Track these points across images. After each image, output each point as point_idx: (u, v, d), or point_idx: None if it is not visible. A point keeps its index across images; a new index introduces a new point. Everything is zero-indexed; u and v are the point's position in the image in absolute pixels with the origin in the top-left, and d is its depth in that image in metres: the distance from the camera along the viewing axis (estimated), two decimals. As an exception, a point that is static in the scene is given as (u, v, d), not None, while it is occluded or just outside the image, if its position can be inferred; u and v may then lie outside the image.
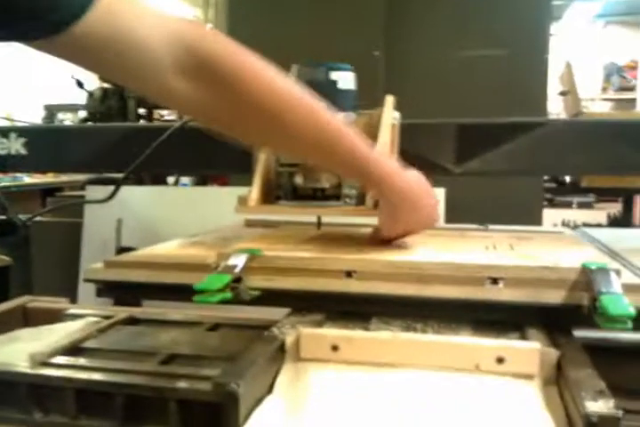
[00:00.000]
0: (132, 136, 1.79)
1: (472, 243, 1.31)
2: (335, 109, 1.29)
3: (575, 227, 4.88)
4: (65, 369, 1.05)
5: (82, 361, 1.08)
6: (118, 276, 1.21)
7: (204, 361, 1.11)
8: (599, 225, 5.02)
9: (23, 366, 1.05)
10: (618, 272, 1.00)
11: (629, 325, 0.84)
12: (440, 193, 2.32)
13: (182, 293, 1.05)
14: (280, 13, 3.08)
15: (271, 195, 1.38)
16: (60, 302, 1.60)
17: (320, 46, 2.93)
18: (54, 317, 1.42)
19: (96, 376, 1.02)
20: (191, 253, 1.30)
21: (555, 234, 1.46)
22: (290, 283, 1.12)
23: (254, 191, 1.34)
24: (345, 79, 1.34)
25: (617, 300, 0.88)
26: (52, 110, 9.29)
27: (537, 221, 3.10)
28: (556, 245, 1.28)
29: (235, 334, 1.28)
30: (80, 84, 3.75)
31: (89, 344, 1.20)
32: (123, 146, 1.77)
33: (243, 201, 1.33)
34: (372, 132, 1.38)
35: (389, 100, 1.42)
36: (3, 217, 3.84)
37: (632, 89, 11.69)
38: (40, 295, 1.70)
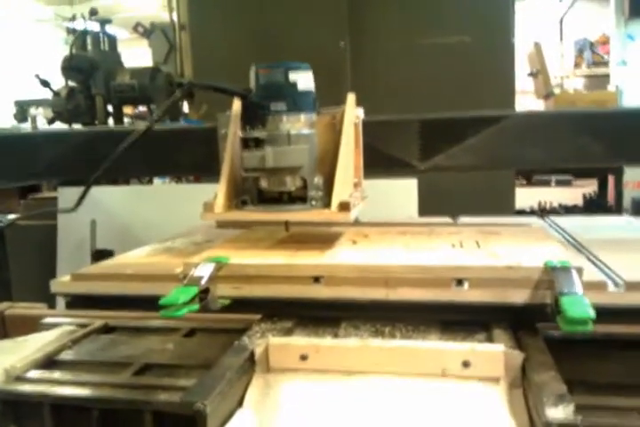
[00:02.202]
0: (96, 141, 1.76)
1: (439, 241, 1.32)
2: (296, 111, 1.30)
3: (550, 210, 4.94)
4: (40, 384, 1.04)
5: (57, 375, 1.08)
6: (86, 289, 1.21)
7: (179, 370, 1.11)
8: (575, 206, 5.07)
9: None
10: (580, 270, 1.01)
11: (590, 326, 0.85)
12: (412, 184, 2.34)
13: (151, 303, 1.05)
14: (241, 5, 3.04)
15: (237, 199, 1.36)
16: (37, 308, 1.59)
17: (285, 37, 2.92)
18: (32, 323, 1.41)
19: (71, 391, 1.02)
20: (160, 260, 1.30)
21: (522, 227, 1.47)
22: (258, 290, 1.13)
23: (219, 197, 1.32)
24: (304, 79, 1.31)
25: (577, 301, 0.89)
26: (22, 106, 9.16)
27: (510, 204, 3.12)
28: (522, 241, 1.29)
29: (210, 339, 1.27)
30: (45, 84, 3.70)
31: (64, 356, 1.19)
32: (88, 151, 1.74)
33: (209, 207, 1.31)
34: (334, 132, 1.38)
35: (351, 98, 1.39)
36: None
37: (605, 64, 11.74)
38: (18, 298, 1.68)
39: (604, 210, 4.96)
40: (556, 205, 5.22)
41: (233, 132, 1.35)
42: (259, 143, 1.28)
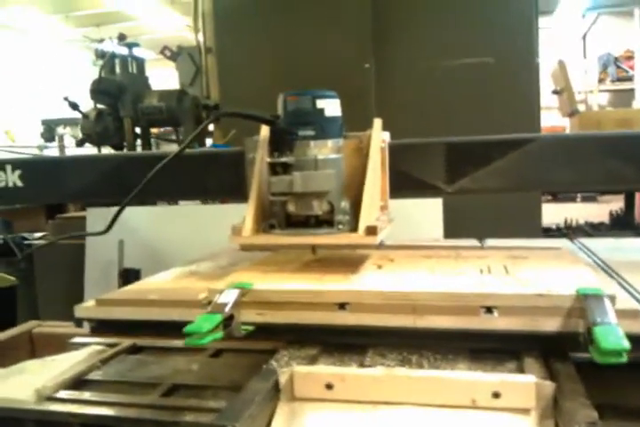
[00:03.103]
0: (126, 165, 1.80)
1: (466, 265, 1.30)
2: (323, 137, 1.30)
3: (576, 228, 4.88)
4: (70, 404, 1.05)
5: (86, 395, 1.08)
6: (110, 314, 1.21)
7: (207, 392, 1.10)
8: (602, 224, 5.00)
9: (29, 402, 1.05)
10: (613, 299, 0.99)
11: (624, 358, 0.83)
12: (437, 203, 2.32)
13: (175, 329, 1.04)
14: (268, 28, 3.07)
15: (264, 223, 1.37)
16: (65, 327, 1.59)
17: (311, 60, 2.94)
18: (60, 342, 1.40)
19: (100, 411, 1.02)
20: (184, 286, 1.30)
21: (551, 251, 1.45)
22: (282, 317, 1.12)
23: (247, 221, 1.33)
24: (331, 106, 1.33)
25: (611, 332, 0.86)
26: (49, 125, 9.31)
27: (536, 221, 3.09)
28: (552, 266, 1.27)
29: (237, 360, 1.24)
30: (74, 106, 3.76)
31: (93, 376, 1.19)
32: (117, 175, 1.77)
33: (237, 231, 1.32)
34: (361, 156, 1.39)
35: (377, 123, 1.41)
36: (4, 237, 3.87)
37: (630, 79, 11.67)
38: (46, 316, 1.69)
39: (631, 227, 4.89)
40: (582, 221, 5.16)
41: (260, 157, 1.37)
42: (286, 168, 1.30)
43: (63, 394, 1.08)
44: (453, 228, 2.51)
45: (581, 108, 10.87)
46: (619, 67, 11.97)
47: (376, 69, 2.85)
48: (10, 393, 1.09)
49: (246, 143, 1.50)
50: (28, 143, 11.45)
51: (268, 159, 1.32)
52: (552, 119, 8.64)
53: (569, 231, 4.81)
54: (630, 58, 11.72)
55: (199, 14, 3.89)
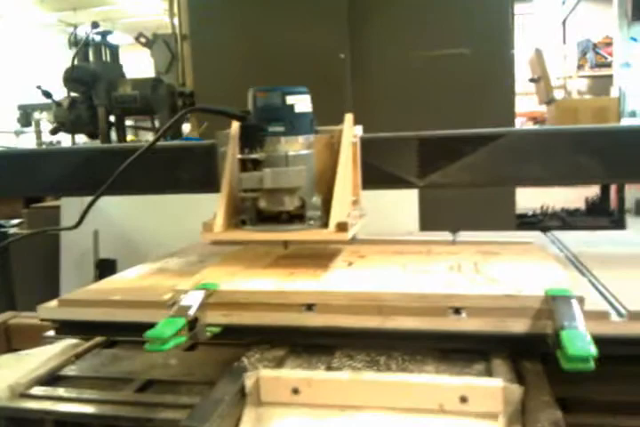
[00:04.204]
0: (98, 158, 1.77)
1: (437, 262, 1.28)
2: (294, 133, 1.29)
3: (552, 214, 4.90)
4: (44, 400, 1.04)
5: (60, 391, 1.07)
6: (73, 315, 1.19)
7: (181, 387, 1.09)
8: (577, 210, 5.02)
9: (2, 399, 1.04)
10: (581, 300, 0.98)
11: (591, 364, 0.82)
12: (412, 194, 2.31)
13: (140, 330, 1.02)
14: (243, 16, 3.03)
15: (236, 218, 1.35)
16: None
17: (286, 49, 2.91)
18: (37, 333, 1.38)
19: (74, 408, 1.02)
20: (150, 285, 1.27)
21: (522, 246, 1.43)
22: (249, 318, 1.10)
23: (218, 217, 1.31)
24: (301, 102, 1.31)
25: (578, 337, 0.85)
26: (26, 110, 9.18)
27: (510, 209, 3.09)
28: (523, 262, 1.26)
29: (212, 354, 1.23)
30: (47, 94, 3.69)
31: (67, 371, 1.18)
32: (90, 168, 1.75)
33: (208, 227, 1.31)
34: (333, 151, 1.37)
35: (348, 118, 1.39)
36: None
37: (608, 65, 11.71)
38: (22, 305, 1.67)
39: (606, 213, 4.92)
40: (558, 207, 5.17)
41: (232, 152, 1.36)
42: (257, 164, 1.28)
43: (37, 390, 1.07)
44: (429, 217, 2.50)
45: (561, 93, 10.92)
46: (597, 53, 12.01)
47: (351, 60, 2.83)
48: (-17, 389, 1.08)
49: (218, 137, 1.50)
50: (5, 129, 11.31)
51: (239, 155, 1.30)
52: (531, 104, 8.65)
53: (544, 218, 4.83)
54: (609, 44, 11.74)
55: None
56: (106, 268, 2.94)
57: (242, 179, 1.29)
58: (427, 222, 2.50)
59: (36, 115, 9.29)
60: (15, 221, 4.04)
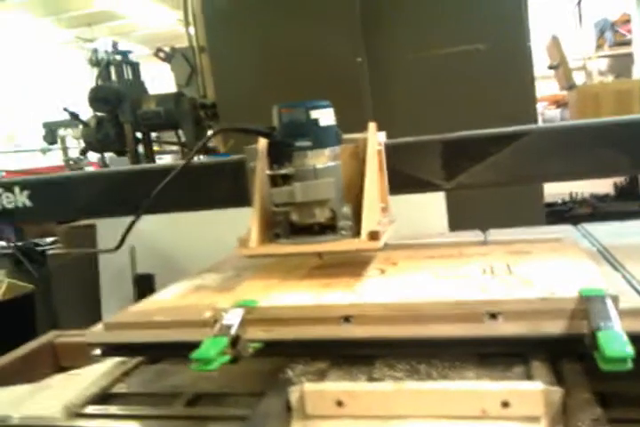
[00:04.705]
0: (130, 180, 1.83)
1: (469, 265, 1.30)
2: (320, 146, 1.33)
3: (582, 201, 4.86)
4: (98, 419, 1.09)
5: (113, 409, 1.12)
6: (119, 338, 1.22)
7: (228, 399, 1.14)
8: (606, 195, 4.98)
9: (60, 419, 1.09)
10: (616, 299, 0.99)
11: (629, 365, 0.83)
12: (439, 197, 2.31)
13: (184, 350, 1.05)
14: (258, 26, 3.06)
15: (270, 231, 1.40)
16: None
17: (303, 55, 2.93)
18: (83, 350, 1.42)
19: (128, 425, 1.07)
20: (190, 303, 1.30)
21: (554, 242, 1.44)
22: (289, 333, 1.12)
23: (253, 233, 1.35)
24: (325, 116, 1.35)
25: (614, 338, 0.86)
26: (51, 127, 9.31)
27: (539, 197, 3.07)
28: (555, 261, 1.26)
29: (255, 365, 1.24)
30: (74, 116, 3.77)
31: (117, 389, 1.23)
32: (123, 190, 1.81)
33: (244, 242, 1.35)
34: (359, 159, 1.41)
35: (372, 127, 1.43)
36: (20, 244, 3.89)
37: (628, 43, 11.53)
38: (64, 322, 1.71)
39: (635, 197, 4.88)
40: (587, 194, 5.14)
41: (261, 168, 1.40)
42: (286, 179, 1.33)
43: (90, 409, 1.12)
44: (458, 210, 2.50)
45: (581, 75, 10.78)
46: (616, 31, 11.83)
47: (368, 63, 2.84)
48: (39, 410, 1.15)
49: (246, 152, 1.55)
50: (32, 147, 11.49)
51: (268, 171, 1.35)
52: (553, 88, 8.55)
53: (573, 205, 4.81)
54: (627, 22, 11.56)
55: (189, 10, 3.88)
56: (144, 283, 3.00)
57: (273, 194, 1.34)
58: (456, 216, 2.51)
59: (61, 132, 9.42)
60: (50, 239, 4.12)
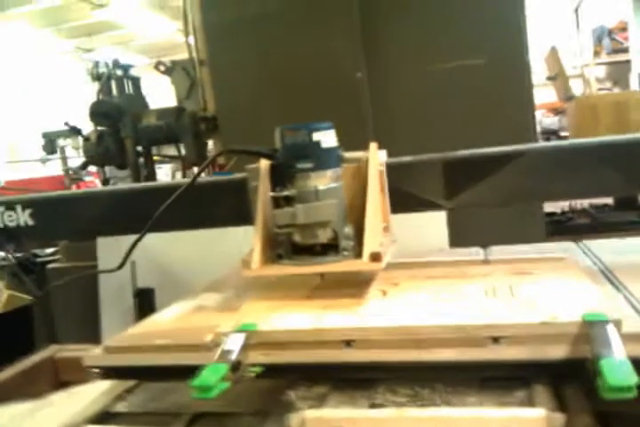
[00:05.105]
0: (133, 198, 1.83)
1: (471, 286, 1.29)
2: (322, 168, 1.34)
3: (580, 212, 4.85)
4: None
5: None
6: (118, 361, 1.22)
7: (230, 419, 1.13)
8: (606, 205, 4.98)
9: None
10: (618, 324, 0.98)
11: (631, 393, 0.82)
12: (441, 216, 2.31)
13: (185, 373, 1.05)
14: (258, 40, 3.07)
15: (272, 252, 1.40)
16: (87, 349, 1.61)
17: (304, 70, 2.94)
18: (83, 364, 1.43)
19: None
20: (191, 325, 1.30)
21: (556, 262, 1.44)
22: (290, 356, 1.12)
23: (255, 253, 1.36)
24: (327, 137, 1.36)
25: (618, 367, 0.86)
26: (50, 137, 9.32)
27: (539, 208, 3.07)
28: (558, 282, 1.26)
29: (256, 384, 1.23)
30: (75, 131, 3.78)
31: (118, 408, 1.22)
32: (126, 209, 1.82)
33: (246, 264, 1.36)
34: (360, 179, 1.42)
35: (373, 147, 1.44)
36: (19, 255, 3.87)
37: (625, 51, 11.55)
38: (63, 336, 1.70)
39: (633, 207, 4.87)
40: (586, 204, 5.13)
41: (262, 189, 1.42)
42: (289, 200, 1.34)
43: None
44: (458, 222, 2.50)
45: (579, 83, 10.78)
46: (613, 39, 11.85)
47: (368, 78, 2.85)
48: (36, 428, 1.12)
49: (248, 172, 1.57)
50: (31, 157, 11.50)
51: (271, 193, 1.37)
52: (551, 96, 8.54)
53: (573, 215, 4.81)
54: (624, 29, 11.59)
55: (189, 22, 3.88)
56: (144, 297, 2.99)
57: (275, 215, 1.35)
58: (457, 226, 2.50)
59: (61, 142, 9.42)
60: (50, 250, 4.10)
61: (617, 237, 1.78)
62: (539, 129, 7.07)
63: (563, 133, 6.32)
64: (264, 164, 1.43)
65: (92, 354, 1.24)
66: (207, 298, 1.52)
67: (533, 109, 2.79)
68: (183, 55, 4.07)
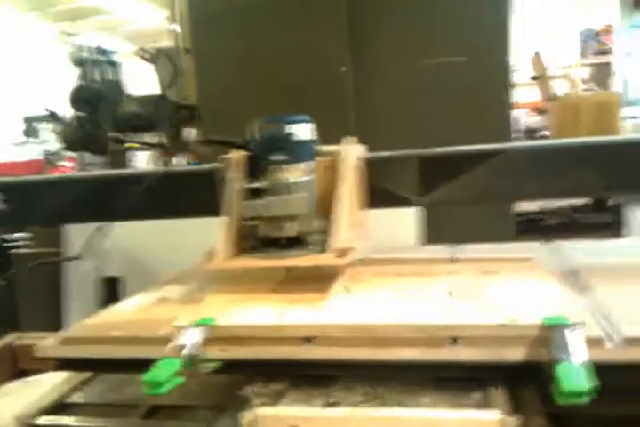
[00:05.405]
0: (100, 186, 1.80)
1: (436, 286, 1.28)
2: (295, 160, 1.32)
3: (552, 213, 4.83)
4: None
5: (66, 420, 1.09)
6: (72, 352, 1.19)
7: (185, 412, 1.11)
8: (585, 205, 4.98)
9: None
10: (580, 327, 0.97)
11: (585, 399, 0.81)
12: (410, 213, 2.29)
13: (140, 366, 1.02)
14: (244, 30, 3.04)
15: (239, 244, 1.39)
16: (47, 338, 1.59)
17: (288, 62, 2.91)
18: None
19: None
20: (150, 317, 1.28)
21: (523, 262, 1.42)
22: (248, 352, 1.10)
23: (220, 247, 1.35)
24: (302, 130, 1.34)
25: (573, 372, 0.85)
26: (31, 122, 9.23)
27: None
28: (522, 283, 1.26)
29: (213, 377, 1.21)
30: (54, 116, 3.72)
31: (74, 399, 1.20)
32: (92, 196, 1.78)
33: (211, 257, 1.35)
34: (335, 173, 1.40)
35: (350, 141, 1.44)
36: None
37: (610, 52, 11.63)
38: (26, 322, 1.67)
39: (612, 209, 4.87)
40: (561, 202, 5.11)
41: (233, 179, 1.40)
42: (259, 192, 1.33)
43: (44, 420, 1.09)
44: (434, 217, 2.48)
45: (564, 83, 10.82)
46: (599, 41, 11.93)
47: (353, 73, 2.83)
48: (-10, 418, 1.10)
49: (219, 162, 1.52)
50: (11, 140, 11.35)
51: (243, 184, 1.36)
52: (535, 95, 8.55)
53: (544, 216, 4.82)
54: (610, 32, 11.66)
55: (176, 10, 3.84)
56: (109, 285, 2.96)
57: (244, 207, 1.35)
58: (432, 225, 2.48)
59: (41, 126, 9.33)
60: (17, 235, 4.04)
61: (591, 238, 1.77)
62: (523, 128, 7.08)
63: (543, 133, 6.34)
64: (236, 155, 1.41)
65: (46, 344, 1.21)
66: (170, 290, 1.50)
67: (510, 108, 2.78)
68: (171, 43, 4.03)
